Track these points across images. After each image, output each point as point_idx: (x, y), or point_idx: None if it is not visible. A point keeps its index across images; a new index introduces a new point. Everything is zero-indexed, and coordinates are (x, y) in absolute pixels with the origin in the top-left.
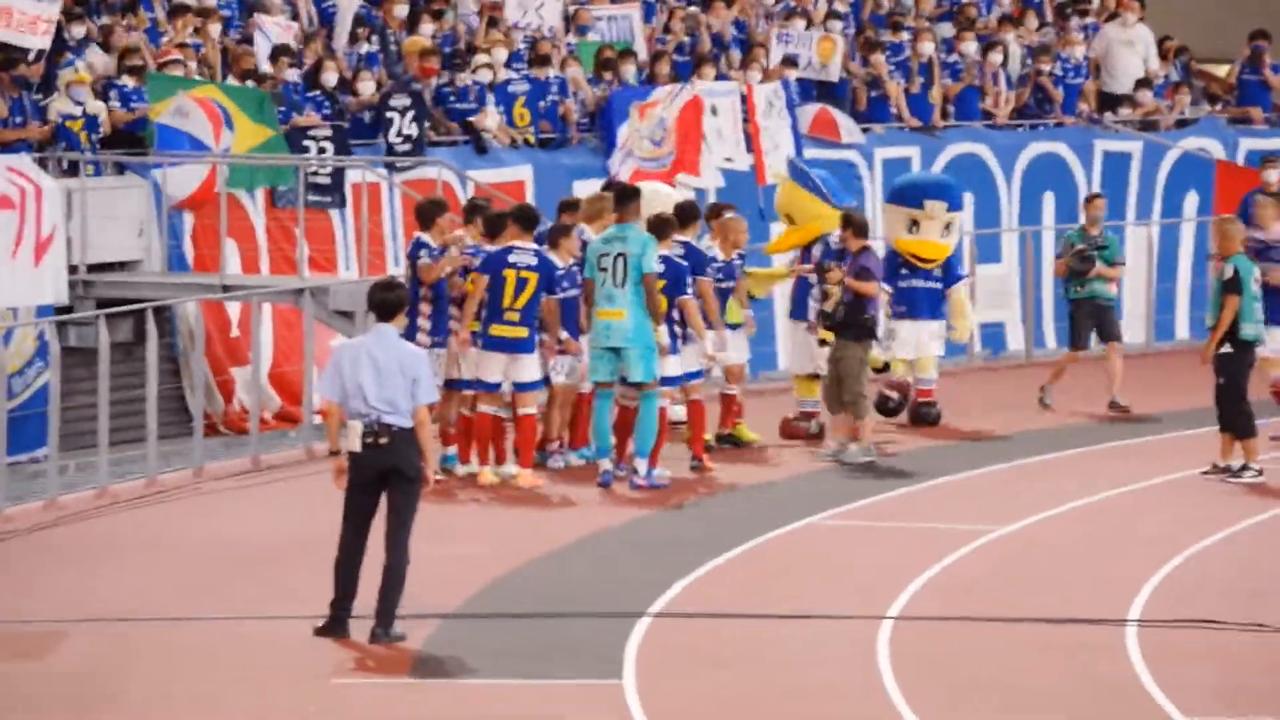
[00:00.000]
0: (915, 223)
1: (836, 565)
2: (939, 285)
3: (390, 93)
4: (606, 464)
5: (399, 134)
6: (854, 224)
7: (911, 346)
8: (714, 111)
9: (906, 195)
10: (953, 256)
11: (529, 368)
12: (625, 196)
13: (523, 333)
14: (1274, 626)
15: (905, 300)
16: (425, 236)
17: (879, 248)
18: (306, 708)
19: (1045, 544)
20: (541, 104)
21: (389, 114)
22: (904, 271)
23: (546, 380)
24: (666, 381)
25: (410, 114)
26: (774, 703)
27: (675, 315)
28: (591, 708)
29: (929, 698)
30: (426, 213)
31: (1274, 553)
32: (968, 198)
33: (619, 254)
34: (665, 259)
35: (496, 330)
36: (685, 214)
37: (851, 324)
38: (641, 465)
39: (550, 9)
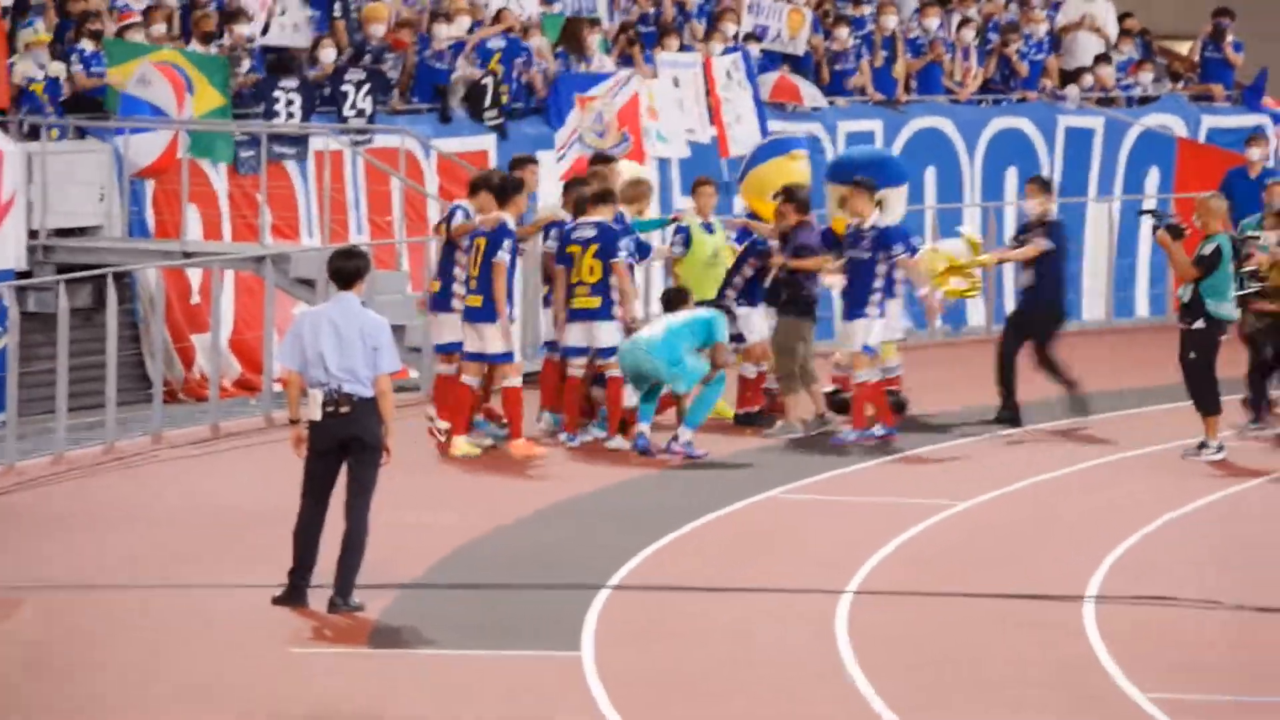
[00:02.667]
0: (844, 200)
1: (797, 539)
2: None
3: (346, 67)
4: (644, 428)
5: (353, 107)
6: (795, 199)
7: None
8: (676, 83)
9: (838, 172)
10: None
11: (492, 340)
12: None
13: (475, 301)
14: (1230, 604)
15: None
16: (466, 204)
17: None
18: (263, 676)
19: (1005, 520)
20: (517, 62)
21: (344, 87)
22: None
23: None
24: (609, 352)
25: (365, 88)
26: (733, 675)
27: (612, 281)
28: (549, 679)
29: (887, 672)
30: (485, 185)
31: (1232, 530)
32: (929, 172)
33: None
34: (599, 224)
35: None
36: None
37: (791, 300)
38: (685, 434)
39: (530, 1)
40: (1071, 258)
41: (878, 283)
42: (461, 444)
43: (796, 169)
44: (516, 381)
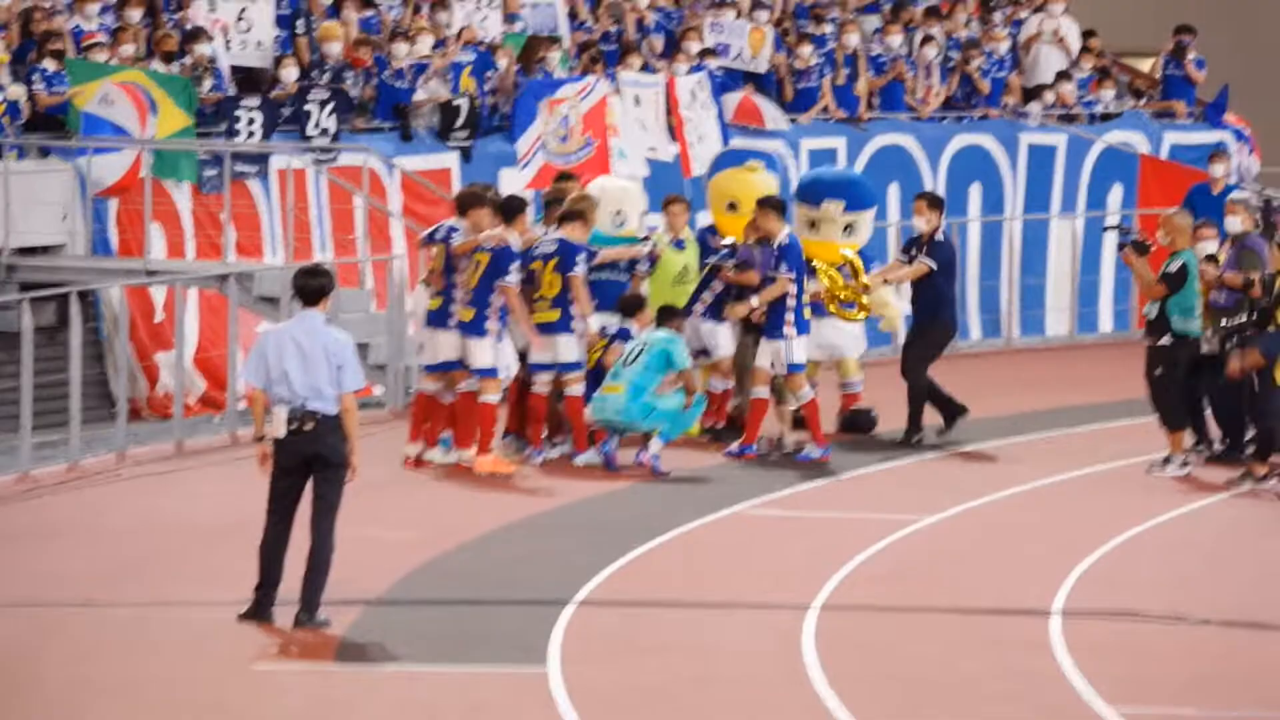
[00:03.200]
0: (814, 223)
1: (762, 554)
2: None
3: (310, 86)
4: (613, 440)
5: (317, 126)
6: (769, 208)
7: (820, 347)
8: (637, 101)
9: (807, 193)
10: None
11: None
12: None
13: (467, 315)
14: (1195, 618)
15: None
16: (453, 222)
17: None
18: (228, 692)
19: (970, 534)
20: (487, 75)
21: (307, 106)
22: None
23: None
24: (575, 366)
25: (329, 107)
26: (699, 691)
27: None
28: (515, 695)
29: (853, 686)
30: (481, 202)
31: (1197, 545)
32: (893, 190)
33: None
34: (560, 240)
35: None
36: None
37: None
38: (656, 445)
39: (493, 20)
40: (959, 276)
41: (791, 301)
42: (488, 461)
43: (751, 180)
44: (494, 398)
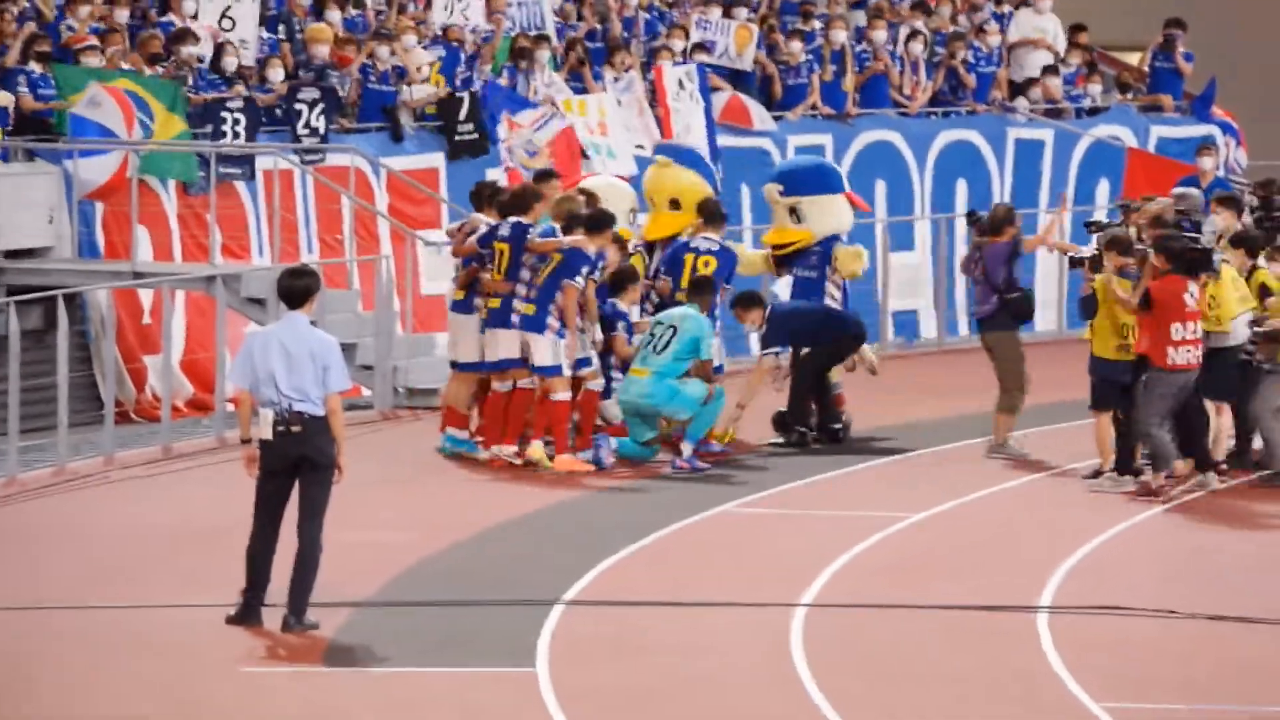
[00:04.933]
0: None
1: (750, 553)
2: (815, 274)
3: (299, 86)
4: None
5: (306, 127)
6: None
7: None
8: (619, 104)
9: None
10: (831, 240)
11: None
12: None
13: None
14: (1183, 613)
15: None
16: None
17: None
18: (217, 695)
19: (957, 531)
20: (458, 71)
21: (297, 106)
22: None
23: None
24: (549, 370)
25: (319, 107)
26: (687, 691)
27: (557, 298)
28: (504, 696)
29: (842, 685)
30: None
31: (1183, 541)
32: (880, 185)
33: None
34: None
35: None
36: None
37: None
38: (687, 449)
39: (475, 8)
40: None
41: (551, 305)
42: (566, 460)
43: (666, 175)
44: (564, 396)
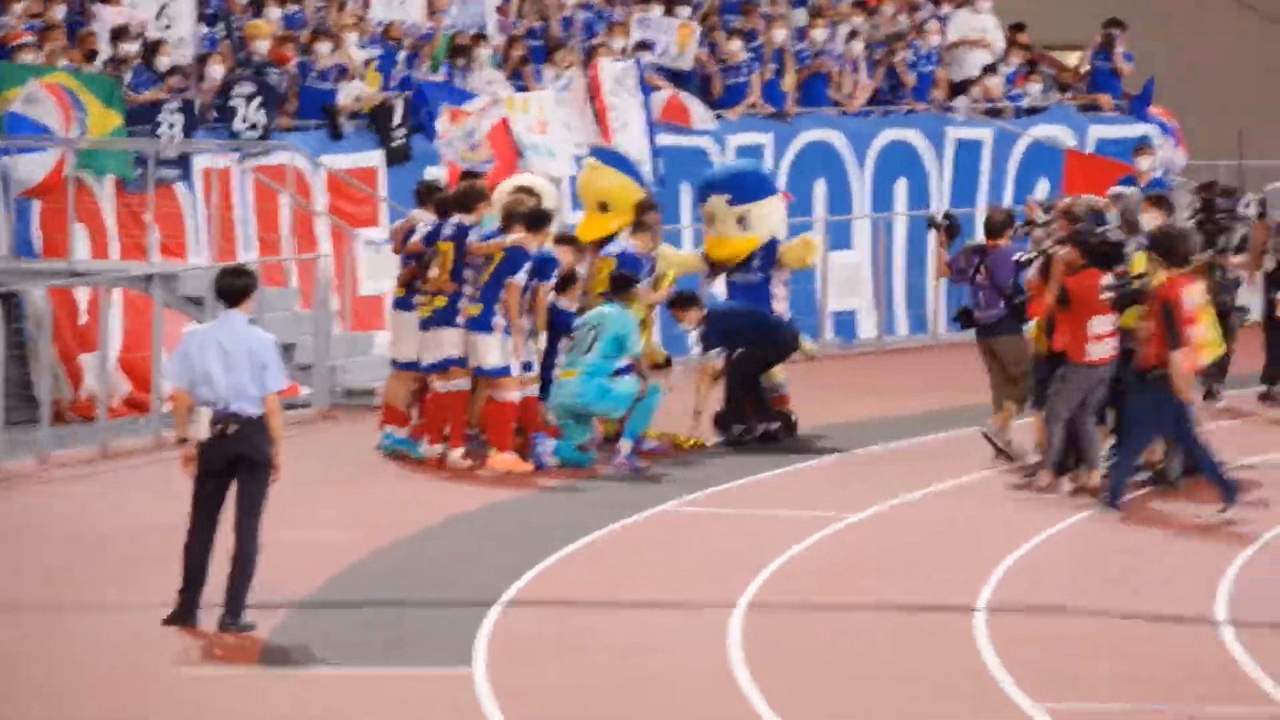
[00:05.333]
0: (712, 219)
1: (688, 552)
2: (760, 276)
3: (234, 80)
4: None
5: (244, 121)
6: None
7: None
8: (558, 103)
9: (701, 191)
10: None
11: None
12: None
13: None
14: (1122, 613)
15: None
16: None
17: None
18: (152, 696)
19: (896, 530)
20: (394, 70)
21: (232, 102)
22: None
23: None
24: (498, 371)
25: (256, 101)
26: (624, 692)
27: (503, 297)
28: (439, 697)
29: (780, 685)
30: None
31: (1124, 541)
32: (819, 185)
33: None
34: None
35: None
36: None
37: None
38: (625, 446)
39: (414, 5)
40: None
41: (497, 305)
42: (506, 460)
43: (594, 178)
44: (512, 396)
